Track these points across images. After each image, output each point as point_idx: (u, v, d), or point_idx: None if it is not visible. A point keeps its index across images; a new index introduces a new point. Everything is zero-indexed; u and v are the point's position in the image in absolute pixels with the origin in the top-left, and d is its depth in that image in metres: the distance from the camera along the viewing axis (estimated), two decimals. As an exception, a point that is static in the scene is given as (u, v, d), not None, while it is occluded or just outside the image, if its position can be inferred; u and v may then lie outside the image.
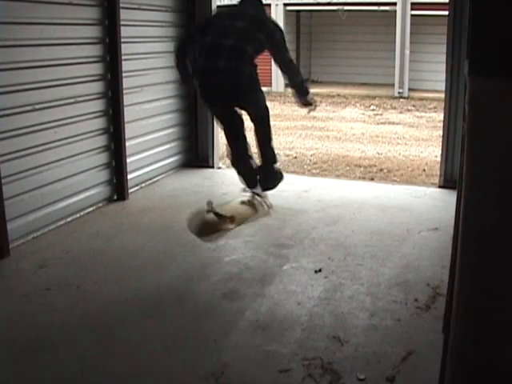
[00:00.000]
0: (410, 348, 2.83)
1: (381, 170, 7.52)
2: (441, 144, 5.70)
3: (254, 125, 3.96)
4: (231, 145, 4.22)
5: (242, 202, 3.98)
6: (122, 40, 4.95)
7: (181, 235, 4.36)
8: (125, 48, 5.01)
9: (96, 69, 4.84)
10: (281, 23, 15.40)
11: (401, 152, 8.74)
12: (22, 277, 3.65)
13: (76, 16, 4.54)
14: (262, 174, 4.21)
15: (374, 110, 13.18)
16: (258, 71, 3.86)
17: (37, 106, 4.20)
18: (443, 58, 5.46)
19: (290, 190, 5.47)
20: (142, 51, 5.50)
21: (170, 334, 3.00)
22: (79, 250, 4.06)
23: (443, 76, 5.44)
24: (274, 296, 3.42)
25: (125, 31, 4.99)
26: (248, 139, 4.36)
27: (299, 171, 7.35)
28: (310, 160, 8.08)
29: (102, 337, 2.96)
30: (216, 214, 3.82)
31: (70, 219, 4.63)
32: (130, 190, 5.31)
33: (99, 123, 4.94)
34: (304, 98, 4.01)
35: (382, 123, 11.49)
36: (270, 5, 15.43)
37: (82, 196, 4.77)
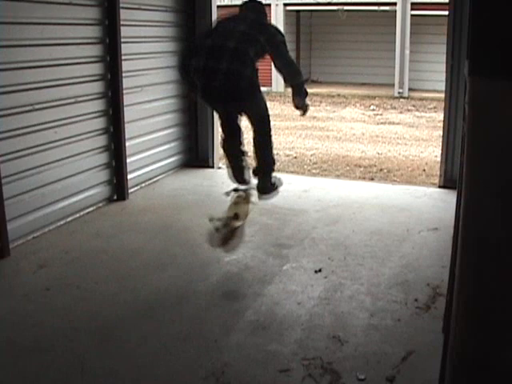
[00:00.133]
0: (409, 348, 2.83)
1: (381, 170, 7.52)
2: (441, 144, 5.70)
3: (253, 130, 3.91)
4: (225, 137, 4.18)
5: (235, 203, 3.97)
6: (122, 40, 4.95)
7: (181, 235, 4.36)
8: (125, 48, 5.01)
9: (96, 69, 4.84)
10: (281, 23, 15.44)
11: (401, 152, 8.74)
12: (22, 277, 3.65)
13: (76, 16, 4.54)
14: (258, 182, 4.12)
15: (373, 110, 13.18)
16: (259, 74, 3.84)
17: (37, 106, 4.21)
18: (443, 58, 5.46)
19: (290, 189, 5.47)
20: (142, 51, 5.50)
21: (170, 334, 3.00)
22: (79, 250, 4.06)
23: (443, 76, 5.45)
24: (274, 296, 3.42)
25: (125, 31, 4.99)
26: (244, 135, 4.30)
27: (299, 171, 7.35)
28: (310, 160, 8.08)
29: (102, 337, 2.96)
30: (222, 222, 3.82)
31: (70, 219, 4.63)
32: (129, 190, 5.31)
33: (99, 123, 4.94)
34: (301, 100, 3.97)
35: (382, 123, 11.49)
36: (269, 5, 15.41)
37: (81, 196, 4.77)
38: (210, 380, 2.60)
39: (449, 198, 5.01)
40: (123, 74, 5.01)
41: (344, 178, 6.89)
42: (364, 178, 6.97)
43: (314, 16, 17.96)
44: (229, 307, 3.29)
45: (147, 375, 2.66)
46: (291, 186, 5.56)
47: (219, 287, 3.54)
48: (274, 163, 4.12)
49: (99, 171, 5.01)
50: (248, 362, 2.75)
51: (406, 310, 3.23)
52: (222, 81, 3.60)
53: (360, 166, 7.72)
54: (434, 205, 5.16)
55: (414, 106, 13.69)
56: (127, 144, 5.19)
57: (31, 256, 3.93)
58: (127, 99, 5.14)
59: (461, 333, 1.61)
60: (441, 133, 5.76)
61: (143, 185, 5.66)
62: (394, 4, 15.19)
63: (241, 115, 4.05)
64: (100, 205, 5.01)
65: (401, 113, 12.80)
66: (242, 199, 4.01)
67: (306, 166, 7.71)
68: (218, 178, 6.00)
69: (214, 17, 6.16)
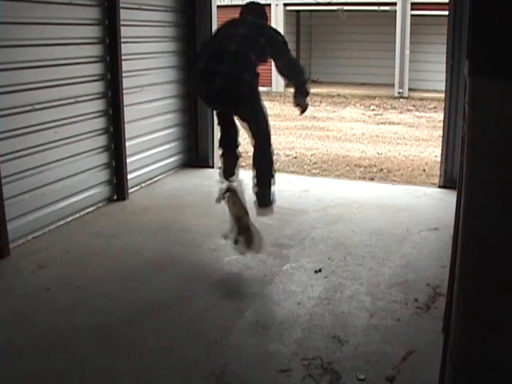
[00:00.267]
0: (409, 348, 2.83)
1: (381, 169, 7.52)
2: (441, 144, 5.70)
3: (253, 136, 3.84)
4: (222, 134, 4.14)
5: (231, 203, 3.93)
6: (122, 40, 4.95)
7: (181, 235, 4.36)
8: (125, 48, 5.01)
9: (96, 69, 4.84)
10: (281, 23, 15.47)
11: (401, 152, 8.74)
12: (22, 277, 3.65)
13: (76, 16, 4.54)
14: (257, 197, 4.03)
15: (373, 110, 13.18)
16: (260, 79, 3.79)
17: (37, 106, 4.21)
18: (443, 58, 5.46)
19: (290, 189, 5.47)
20: (142, 51, 5.50)
21: (170, 333, 3.00)
22: (79, 250, 4.06)
23: (443, 76, 5.45)
24: (274, 296, 3.42)
25: (125, 31, 4.99)
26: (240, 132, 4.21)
27: (299, 171, 7.35)
28: (310, 160, 8.08)
29: (102, 337, 2.96)
30: (235, 232, 3.81)
31: (69, 219, 4.63)
32: (129, 190, 5.31)
33: (99, 123, 4.94)
34: (302, 99, 3.94)
35: (381, 123, 11.49)
36: (269, 5, 15.42)
37: (81, 196, 4.77)
38: (210, 380, 2.59)
39: (449, 198, 5.01)
40: (123, 74, 5.01)
41: (344, 178, 6.89)
42: (364, 178, 6.98)
43: (314, 16, 17.97)
44: (229, 307, 3.28)
45: (147, 375, 2.66)
46: (291, 186, 5.56)
47: (219, 287, 3.54)
48: (273, 177, 3.93)
49: (99, 171, 5.01)
50: (248, 362, 2.75)
51: (405, 309, 3.23)
52: (221, 84, 3.57)
53: (360, 165, 7.72)
54: (433, 205, 5.16)
55: (414, 105, 13.69)
56: (127, 144, 5.19)
57: (31, 256, 3.93)
58: (127, 99, 5.14)
59: (461, 333, 1.61)
60: (441, 133, 5.76)
61: (143, 185, 5.66)
62: (394, 4, 15.20)
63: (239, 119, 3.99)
64: (100, 205, 5.01)
65: (401, 113, 12.80)
66: (233, 196, 3.96)
67: (305, 166, 7.71)
68: (218, 178, 5.99)
69: (214, 17, 6.17)
